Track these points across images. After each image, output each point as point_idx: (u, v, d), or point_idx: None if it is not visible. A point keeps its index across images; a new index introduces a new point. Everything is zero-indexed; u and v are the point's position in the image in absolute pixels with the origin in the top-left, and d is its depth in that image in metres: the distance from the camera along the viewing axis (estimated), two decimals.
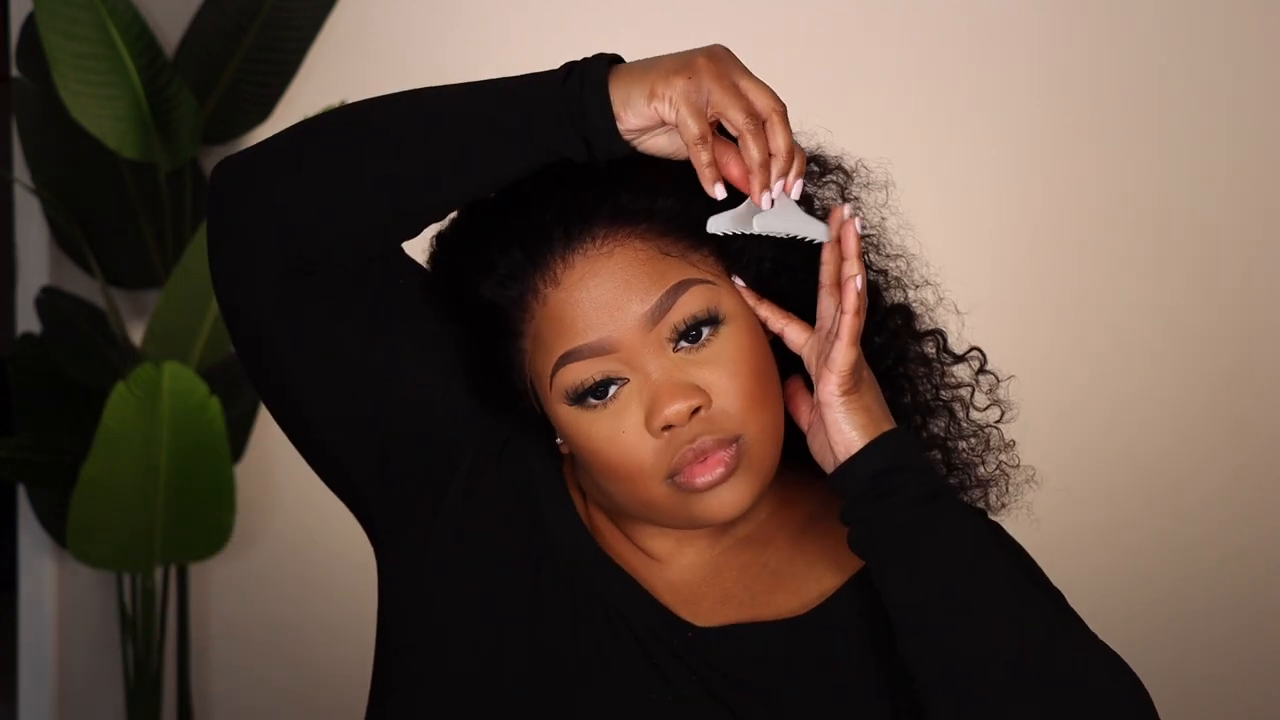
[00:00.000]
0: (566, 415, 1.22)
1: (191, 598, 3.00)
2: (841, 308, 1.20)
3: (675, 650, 1.26)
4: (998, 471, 1.34)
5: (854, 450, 1.21)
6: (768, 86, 1.19)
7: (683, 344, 1.21)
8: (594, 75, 1.18)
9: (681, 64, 1.18)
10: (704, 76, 1.17)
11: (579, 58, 1.20)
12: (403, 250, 1.28)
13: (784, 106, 1.19)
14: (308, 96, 2.87)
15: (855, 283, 1.19)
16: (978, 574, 1.19)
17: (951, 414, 1.34)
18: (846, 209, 1.22)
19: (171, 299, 2.70)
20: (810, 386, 1.26)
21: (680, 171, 1.22)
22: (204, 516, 2.76)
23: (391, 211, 1.22)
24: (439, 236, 1.28)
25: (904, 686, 1.24)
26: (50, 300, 2.91)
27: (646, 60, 1.19)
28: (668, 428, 1.20)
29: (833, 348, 1.20)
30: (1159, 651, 2.93)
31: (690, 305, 1.21)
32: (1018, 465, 1.35)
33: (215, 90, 2.85)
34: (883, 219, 1.33)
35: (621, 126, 1.19)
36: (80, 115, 2.73)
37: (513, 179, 1.23)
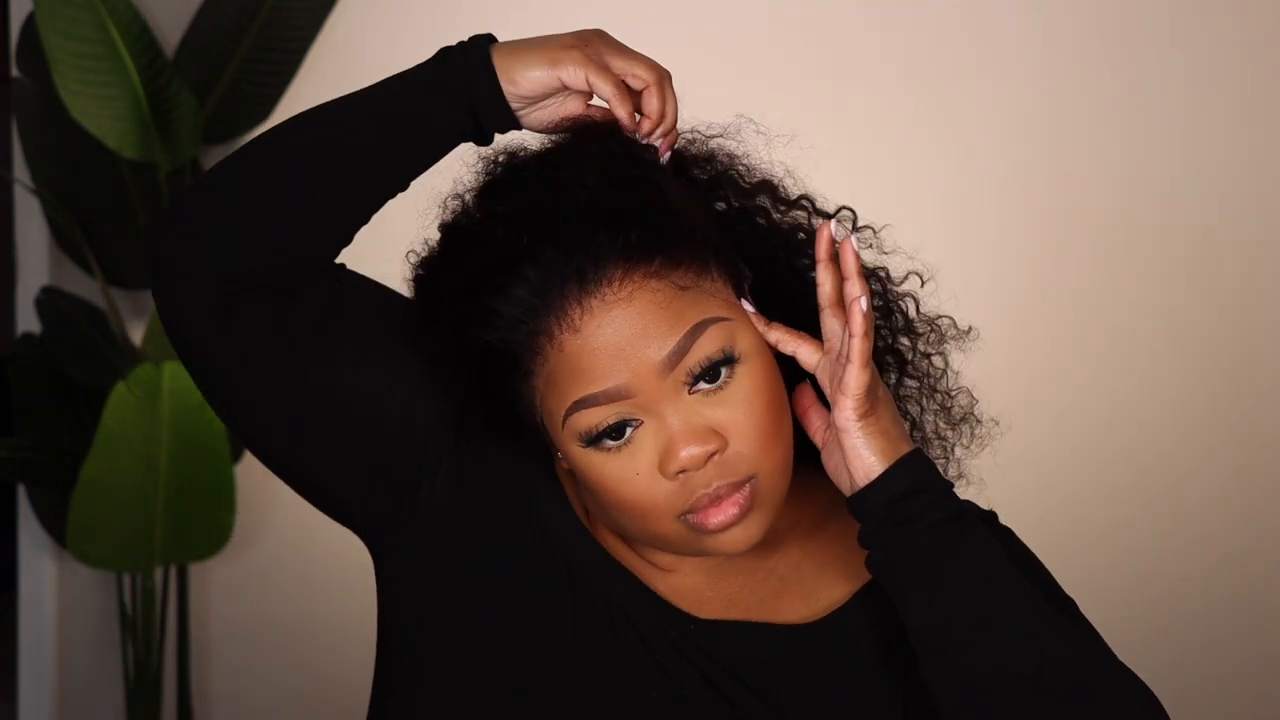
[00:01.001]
0: (578, 453, 1.21)
1: (191, 598, 3.00)
2: (850, 330, 1.18)
3: (677, 644, 1.26)
4: (964, 419, 1.33)
5: (873, 476, 1.20)
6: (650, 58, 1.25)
7: (699, 385, 1.20)
8: (475, 51, 1.24)
9: (575, 38, 1.26)
10: (599, 46, 1.25)
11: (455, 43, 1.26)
12: (341, 265, 1.29)
13: (669, 73, 1.25)
14: (308, 96, 2.87)
15: (860, 304, 1.18)
16: (998, 594, 1.19)
17: (905, 317, 1.33)
18: (833, 225, 1.21)
19: None
20: (819, 394, 1.25)
21: (681, 198, 1.23)
22: (204, 516, 2.76)
23: (308, 225, 1.24)
24: (418, 274, 1.26)
25: (917, 700, 1.24)
26: (50, 300, 2.91)
27: (530, 38, 1.26)
28: (683, 471, 1.20)
29: (845, 371, 1.19)
30: (1159, 651, 2.93)
31: (707, 347, 1.19)
32: (977, 403, 1.34)
33: (215, 90, 2.85)
34: (787, 169, 1.33)
35: (515, 91, 1.24)
36: (80, 115, 2.73)
37: (417, 170, 1.26)
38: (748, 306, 1.23)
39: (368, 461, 1.28)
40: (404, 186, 1.27)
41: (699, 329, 1.19)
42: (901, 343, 1.33)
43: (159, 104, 2.75)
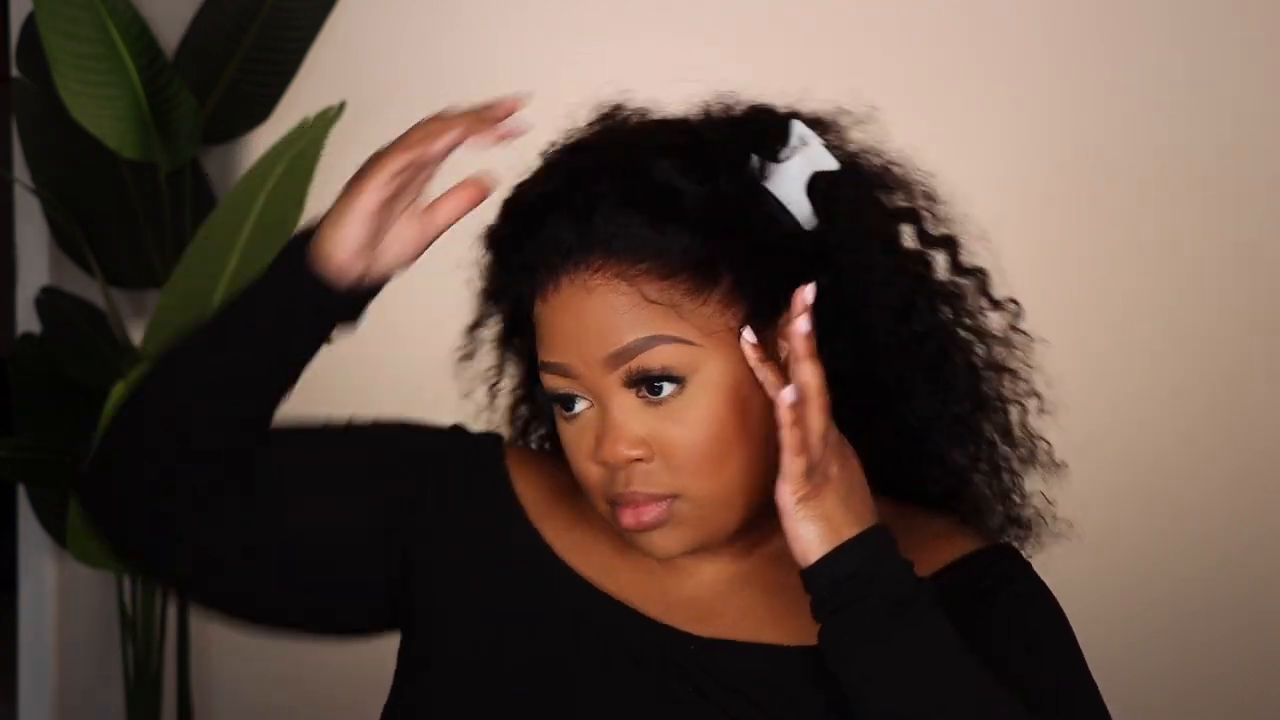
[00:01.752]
0: (552, 405, 1.25)
1: None
2: (779, 419, 1.16)
3: (675, 660, 1.25)
4: (1032, 514, 1.33)
5: (809, 560, 1.17)
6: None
7: (641, 392, 1.20)
8: (293, 257, 1.24)
9: (351, 179, 1.24)
10: (376, 157, 1.23)
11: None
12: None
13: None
14: (308, 96, 2.87)
15: (784, 396, 1.15)
16: (939, 687, 1.16)
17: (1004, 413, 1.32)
18: (807, 293, 1.17)
19: (171, 299, 2.70)
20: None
21: (705, 212, 1.20)
22: None
23: (220, 455, 1.27)
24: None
25: None
26: (50, 300, 2.91)
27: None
28: (607, 463, 1.21)
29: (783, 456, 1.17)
30: (1159, 651, 2.93)
31: (649, 360, 1.19)
32: (1052, 506, 1.33)
33: (215, 90, 2.85)
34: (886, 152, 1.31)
35: (342, 260, 1.24)
36: (80, 115, 2.73)
37: (292, 365, 1.27)
38: (748, 337, 1.20)
39: (363, 571, 1.31)
40: (293, 384, 1.29)
41: (650, 341, 1.19)
42: (999, 445, 1.32)
43: (159, 104, 2.75)
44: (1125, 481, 2.97)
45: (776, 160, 1.23)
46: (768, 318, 1.22)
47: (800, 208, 1.23)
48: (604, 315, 1.19)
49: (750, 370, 1.20)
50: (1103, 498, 2.98)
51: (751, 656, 1.24)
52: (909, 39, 2.95)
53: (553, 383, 1.22)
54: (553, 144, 1.27)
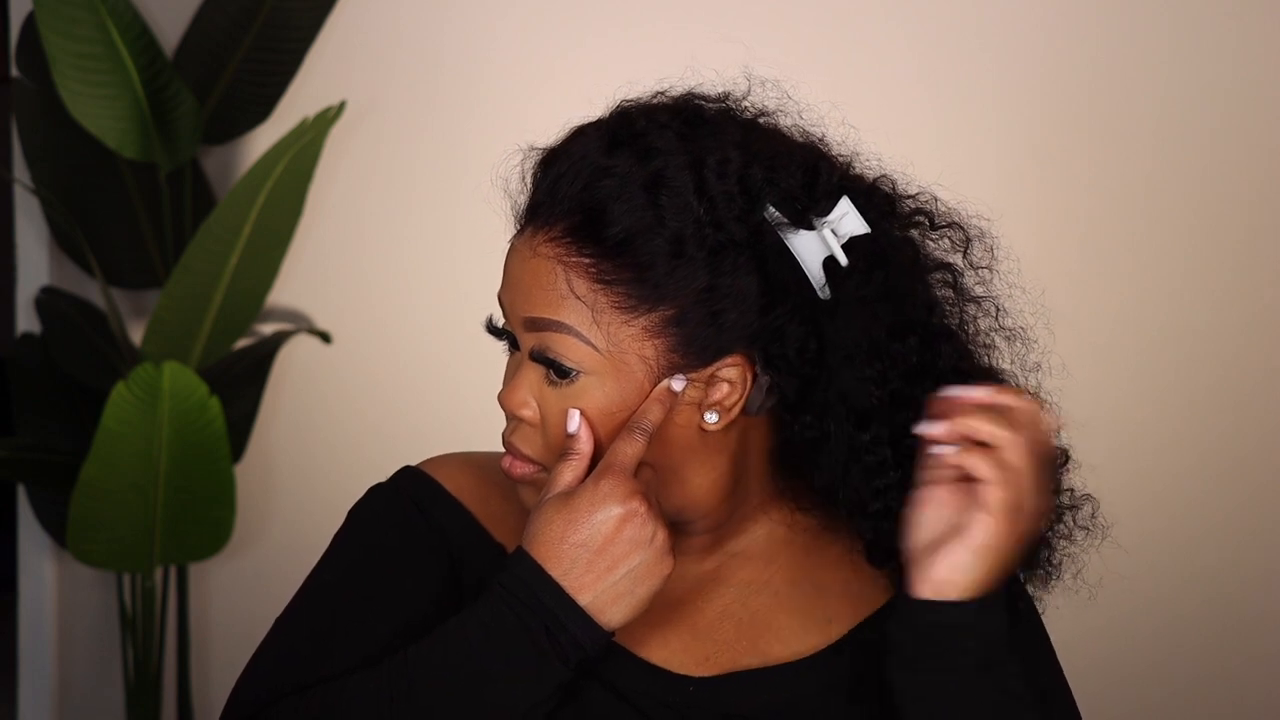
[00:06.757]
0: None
1: (191, 598, 3.00)
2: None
3: (675, 707, 1.25)
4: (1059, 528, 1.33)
5: (940, 597, 1.18)
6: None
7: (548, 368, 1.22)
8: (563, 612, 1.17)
9: (618, 520, 1.17)
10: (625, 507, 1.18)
11: (503, 575, 1.18)
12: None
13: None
14: (308, 96, 2.87)
15: (674, 383, 1.19)
16: None
17: None
18: (968, 392, 1.21)
19: (171, 299, 2.71)
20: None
21: (683, 243, 1.19)
22: (204, 516, 2.76)
23: None
24: None
25: None
26: (50, 300, 2.91)
27: (563, 540, 1.18)
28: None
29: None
30: (1159, 651, 2.93)
31: (553, 342, 1.20)
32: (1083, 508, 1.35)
33: (215, 90, 2.86)
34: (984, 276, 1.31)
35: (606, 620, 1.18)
36: (80, 115, 2.73)
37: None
38: (677, 385, 1.20)
39: None
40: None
41: (552, 325, 1.20)
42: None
43: (159, 104, 2.76)
44: (1125, 482, 2.98)
45: (804, 223, 1.21)
46: (690, 362, 1.20)
47: (815, 276, 1.21)
48: (532, 281, 1.20)
49: (630, 404, 1.20)
50: (1102, 497, 2.98)
51: (746, 685, 1.25)
52: (908, 34, 2.95)
53: (499, 314, 1.25)
54: (627, 104, 1.24)
